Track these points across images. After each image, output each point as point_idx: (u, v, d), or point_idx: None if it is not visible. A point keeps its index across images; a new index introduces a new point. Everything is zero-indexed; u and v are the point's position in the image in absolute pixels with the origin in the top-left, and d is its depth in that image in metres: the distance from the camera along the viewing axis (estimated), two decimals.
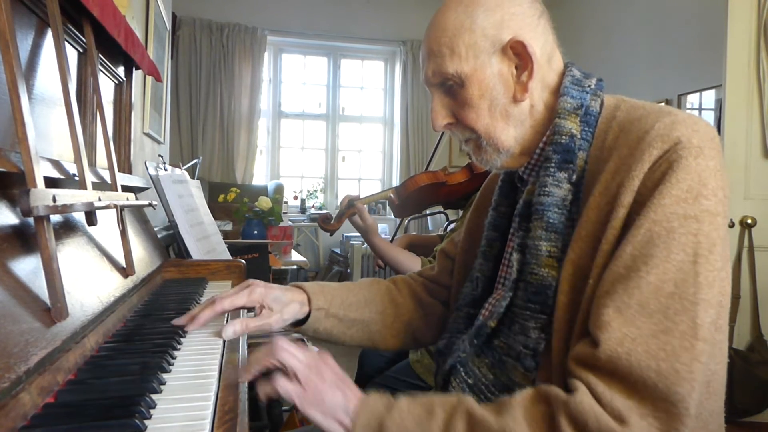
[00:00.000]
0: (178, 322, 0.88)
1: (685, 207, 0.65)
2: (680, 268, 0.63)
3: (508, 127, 0.81)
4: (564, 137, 0.78)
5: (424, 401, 0.69)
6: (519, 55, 0.79)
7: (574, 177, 0.77)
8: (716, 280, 0.64)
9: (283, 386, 0.68)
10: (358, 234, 2.07)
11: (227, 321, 0.91)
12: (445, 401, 0.69)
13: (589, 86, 0.82)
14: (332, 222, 1.96)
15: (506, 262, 0.90)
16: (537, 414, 0.64)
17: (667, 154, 0.67)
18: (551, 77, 0.83)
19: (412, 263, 1.78)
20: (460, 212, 1.96)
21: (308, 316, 0.96)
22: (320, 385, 0.69)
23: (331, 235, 2.10)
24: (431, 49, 0.82)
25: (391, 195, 1.96)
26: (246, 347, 0.87)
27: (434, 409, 0.68)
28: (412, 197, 1.95)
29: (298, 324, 0.97)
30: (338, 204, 1.98)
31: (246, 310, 0.95)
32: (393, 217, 2.22)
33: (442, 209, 2.22)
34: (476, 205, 1.07)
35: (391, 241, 2.03)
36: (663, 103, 2.35)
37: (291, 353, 0.71)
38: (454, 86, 0.81)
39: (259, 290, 0.90)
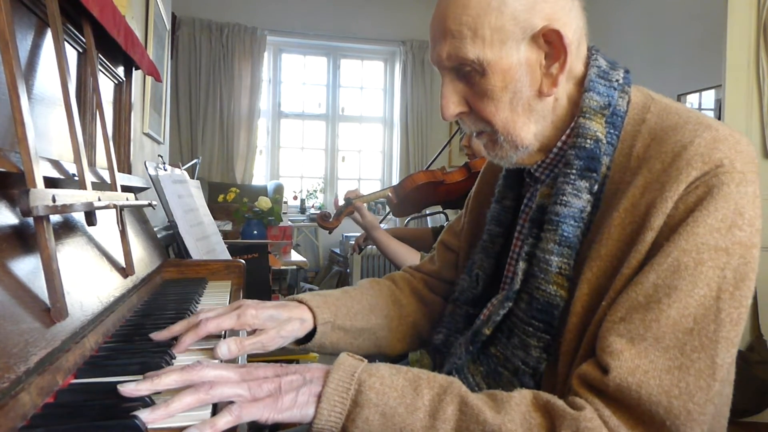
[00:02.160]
0: (157, 336, 0.77)
1: (717, 238, 0.60)
2: (701, 304, 0.59)
3: (529, 122, 0.73)
4: (589, 141, 0.70)
5: (407, 374, 0.62)
6: (551, 44, 0.70)
7: (596, 187, 0.70)
8: (742, 317, 0.59)
9: (238, 417, 0.56)
10: (358, 234, 2.09)
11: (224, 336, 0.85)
12: (432, 378, 0.63)
13: (617, 81, 0.74)
14: (331, 220, 1.97)
15: (513, 263, 0.85)
16: (534, 422, 0.59)
17: (707, 176, 0.61)
18: (577, 66, 0.75)
19: (412, 258, 1.80)
20: (459, 212, 1.96)
21: (310, 332, 0.88)
22: (268, 383, 0.60)
23: (330, 233, 2.10)
24: (448, 28, 0.71)
25: (390, 194, 1.97)
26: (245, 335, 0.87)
27: (420, 385, 0.61)
28: (410, 196, 1.96)
29: (301, 342, 0.89)
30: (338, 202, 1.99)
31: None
32: (392, 216, 2.21)
33: (441, 209, 2.23)
34: (477, 191, 1.01)
35: None
36: None
37: (220, 379, 0.59)
38: (473, 73, 0.72)
39: (249, 312, 0.79)
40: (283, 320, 0.83)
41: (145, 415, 0.53)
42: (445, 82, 0.76)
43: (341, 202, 1.95)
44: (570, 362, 0.68)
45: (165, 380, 0.58)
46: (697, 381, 0.57)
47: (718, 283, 0.59)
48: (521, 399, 0.61)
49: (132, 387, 0.56)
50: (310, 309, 0.87)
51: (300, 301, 0.89)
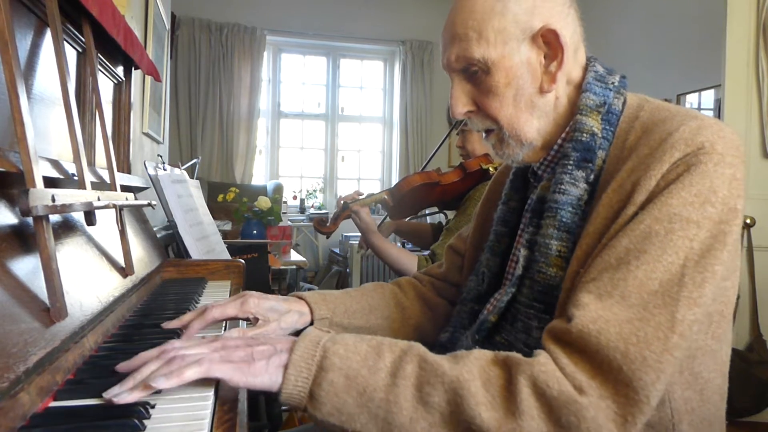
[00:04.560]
0: (168, 325, 0.84)
1: (690, 211, 0.63)
2: (668, 270, 0.62)
3: (532, 118, 0.79)
4: (585, 135, 0.76)
5: (371, 341, 0.66)
6: (549, 44, 0.77)
7: (592, 177, 0.75)
8: (707, 281, 0.62)
9: (208, 369, 0.60)
10: (358, 234, 2.08)
11: (225, 329, 0.89)
12: (393, 343, 0.66)
13: (613, 83, 0.80)
14: (328, 224, 1.96)
15: (514, 258, 0.88)
16: (492, 374, 0.61)
17: (688, 157, 0.65)
18: (576, 71, 0.81)
19: (409, 261, 1.80)
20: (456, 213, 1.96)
21: (309, 326, 0.92)
22: (240, 351, 0.63)
23: (327, 238, 2.09)
24: (456, 33, 0.79)
25: (385, 197, 1.96)
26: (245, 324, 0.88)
27: (382, 350, 0.64)
28: (407, 198, 1.95)
29: None
30: (336, 204, 1.98)
31: (246, 322, 0.91)
32: (387, 218, 2.20)
33: (438, 210, 2.23)
34: (486, 198, 1.05)
35: (379, 227, 2.03)
36: None
37: (191, 348, 0.63)
38: (479, 72, 0.78)
39: (252, 301, 0.85)
40: (282, 311, 0.88)
41: (115, 390, 0.57)
42: (454, 83, 0.82)
43: (342, 202, 1.95)
44: None
45: (145, 371, 0.60)
46: (655, 332, 0.60)
47: (686, 253, 0.63)
48: (481, 354, 0.64)
49: (116, 389, 0.58)
50: (308, 305, 0.92)
51: (300, 297, 0.93)
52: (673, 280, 0.62)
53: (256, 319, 0.85)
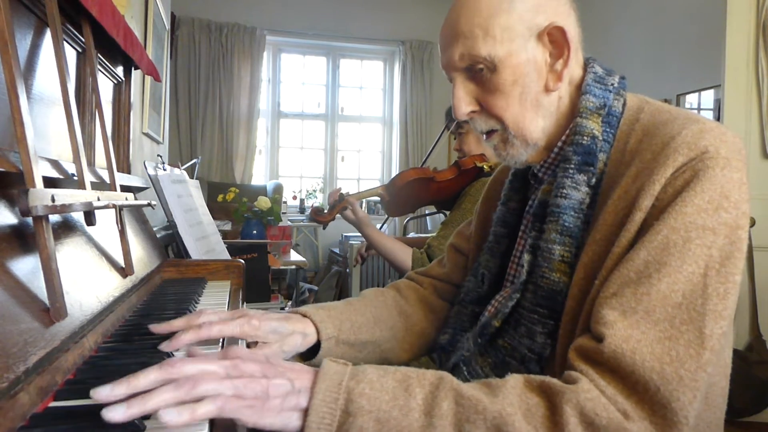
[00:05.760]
0: (156, 329, 0.76)
1: (705, 218, 0.63)
2: (689, 280, 0.61)
3: (537, 117, 0.78)
4: (585, 138, 0.75)
5: (396, 374, 0.61)
6: (554, 42, 0.76)
7: (594, 180, 0.74)
8: (729, 292, 0.62)
9: (221, 409, 0.53)
10: (358, 234, 2.09)
11: (223, 344, 0.82)
12: (421, 375, 0.61)
13: (612, 84, 0.79)
14: (324, 214, 1.98)
15: (516, 260, 0.88)
16: (531, 402, 0.59)
17: (693, 162, 0.65)
18: (576, 71, 0.81)
19: (404, 254, 1.83)
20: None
21: (313, 346, 0.86)
22: (255, 383, 0.56)
23: (324, 228, 2.10)
24: (460, 31, 0.77)
25: (381, 191, 1.98)
26: (245, 346, 0.87)
27: (410, 384, 0.60)
28: (402, 193, 1.97)
29: (306, 357, 0.87)
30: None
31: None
32: (389, 217, 2.22)
33: (436, 210, 2.24)
34: (485, 197, 1.04)
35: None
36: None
37: (202, 373, 0.55)
38: (484, 71, 0.77)
39: (254, 322, 0.78)
40: (285, 334, 0.82)
41: (120, 411, 0.50)
42: (456, 83, 0.80)
43: (336, 195, 1.98)
44: (566, 344, 0.70)
45: (143, 380, 0.53)
46: (687, 350, 0.59)
47: (705, 261, 0.62)
48: (515, 382, 0.61)
49: (107, 391, 0.51)
50: (314, 324, 0.86)
51: (304, 315, 0.87)
52: (696, 291, 0.61)
53: (255, 342, 0.80)
